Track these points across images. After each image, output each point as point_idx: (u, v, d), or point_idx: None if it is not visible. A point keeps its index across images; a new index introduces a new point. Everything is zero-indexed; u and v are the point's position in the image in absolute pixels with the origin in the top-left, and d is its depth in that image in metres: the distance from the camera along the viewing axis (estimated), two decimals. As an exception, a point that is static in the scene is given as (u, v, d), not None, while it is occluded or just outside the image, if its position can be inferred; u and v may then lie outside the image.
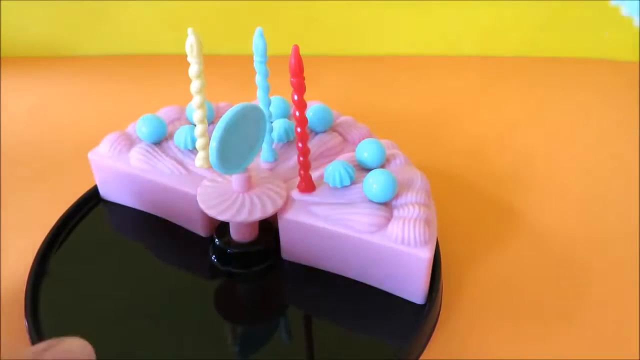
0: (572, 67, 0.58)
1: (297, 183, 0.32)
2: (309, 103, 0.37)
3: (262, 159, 0.34)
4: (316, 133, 0.36)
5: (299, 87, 0.29)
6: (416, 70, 0.59)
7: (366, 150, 0.32)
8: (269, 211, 0.30)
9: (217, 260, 0.33)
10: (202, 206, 0.30)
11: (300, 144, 0.30)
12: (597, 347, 0.29)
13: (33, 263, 0.32)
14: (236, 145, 0.28)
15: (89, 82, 0.57)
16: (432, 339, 0.29)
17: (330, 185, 0.31)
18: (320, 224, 0.30)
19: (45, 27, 0.61)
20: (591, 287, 0.32)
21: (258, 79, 0.32)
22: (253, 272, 0.32)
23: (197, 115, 0.32)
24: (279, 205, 0.30)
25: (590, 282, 0.33)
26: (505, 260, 0.34)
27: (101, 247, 0.34)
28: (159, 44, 0.62)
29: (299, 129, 0.30)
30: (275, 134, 0.35)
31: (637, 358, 0.28)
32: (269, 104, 0.33)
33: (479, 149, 0.45)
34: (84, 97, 0.55)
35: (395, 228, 0.28)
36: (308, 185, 0.31)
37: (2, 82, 0.56)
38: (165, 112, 0.39)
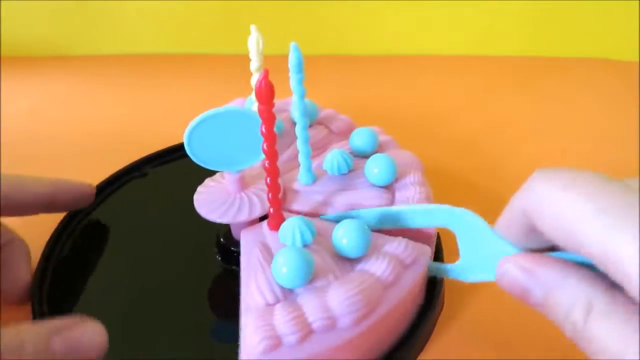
0: (572, 67, 0.58)
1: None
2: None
3: (300, 181, 0.32)
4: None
5: (268, 117, 0.25)
6: (416, 70, 0.59)
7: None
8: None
9: (222, 260, 0.33)
10: (201, 212, 0.30)
11: (268, 179, 0.27)
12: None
13: (37, 264, 0.32)
14: (222, 142, 0.28)
15: (89, 82, 0.57)
16: (432, 339, 0.29)
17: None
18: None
19: (45, 27, 0.61)
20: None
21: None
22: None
23: (256, 107, 0.33)
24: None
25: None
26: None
27: (102, 248, 0.34)
28: (159, 44, 0.62)
29: (267, 163, 0.26)
30: (328, 166, 0.32)
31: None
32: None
33: (478, 148, 0.45)
34: (84, 97, 0.55)
35: None
36: (278, 222, 0.28)
37: (2, 82, 0.56)
38: (235, 104, 0.39)
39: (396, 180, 0.31)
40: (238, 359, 0.25)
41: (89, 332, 0.22)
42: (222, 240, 0.33)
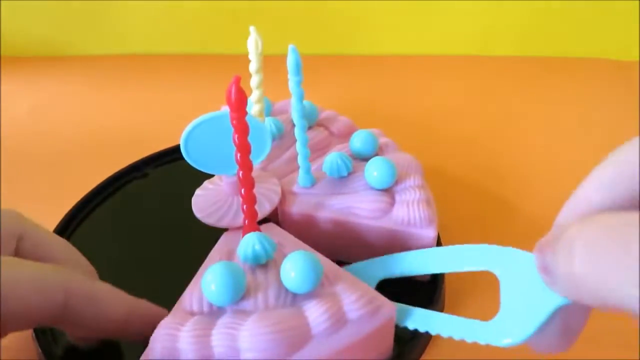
0: (572, 67, 0.58)
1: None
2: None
3: (299, 184, 0.32)
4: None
5: (240, 125, 0.24)
6: (416, 70, 0.59)
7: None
8: (267, 209, 0.30)
9: None
10: (199, 215, 0.30)
11: (243, 190, 0.26)
12: (597, 337, 0.29)
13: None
14: (219, 145, 0.28)
15: (89, 82, 0.57)
16: (433, 338, 0.29)
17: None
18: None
19: (45, 27, 0.61)
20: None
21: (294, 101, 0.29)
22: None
23: (256, 109, 0.33)
24: (275, 202, 0.30)
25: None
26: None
27: (102, 248, 0.34)
28: (159, 44, 0.62)
29: (241, 174, 0.25)
30: (327, 168, 0.32)
31: (637, 358, 0.28)
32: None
33: (479, 149, 0.45)
34: (84, 97, 0.55)
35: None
36: (252, 224, 0.27)
37: (2, 82, 0.56)
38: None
39: (396, 183, 0.31)
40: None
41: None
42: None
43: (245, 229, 0.27)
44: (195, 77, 0.57)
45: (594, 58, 0.59)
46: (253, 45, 0.32)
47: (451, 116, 0.50)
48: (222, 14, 0.60)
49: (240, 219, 0.29)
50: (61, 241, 0.26)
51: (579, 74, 0.57)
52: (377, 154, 0.33)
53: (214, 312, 0.23)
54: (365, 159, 0.32)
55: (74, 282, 0.23)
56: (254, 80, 0.33)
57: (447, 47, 0.61)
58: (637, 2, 0.55)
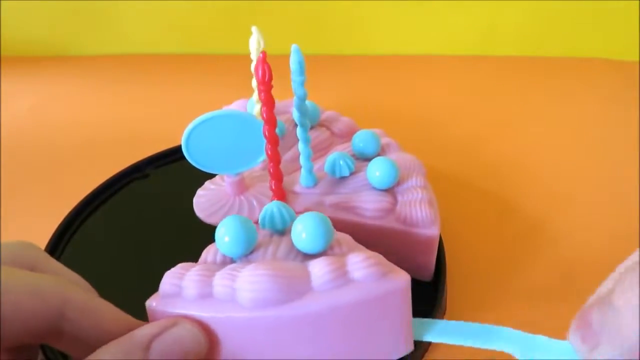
0: (572, 67, 0.58)
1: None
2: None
3: (301, 183, 0.32)
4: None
5: (268, 99, 0.26)
6: (416, 70, 0.59)
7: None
8: None
9: None
10: (200, 215, 0.30)
11: (271, 167, 0.27)
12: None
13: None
14: (220, 145, 0.28)
15: (89, 82, 0.57)
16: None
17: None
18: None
19: (45, 27, 0.61)
20: (588, 267, 0.32)
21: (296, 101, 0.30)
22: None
23: (257, 108, 0.33)
24: None
25: (586, 264, 0.33)
26: (506, 257, 0.34)
27: (103, 248, 0.34)
28: (159, 44, 0.62)
29: (269, 149, 0.27)
30: (330, 168, 0.32)
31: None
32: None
33: (480, 150, 0.45)
34: (84, 97, 0.55)
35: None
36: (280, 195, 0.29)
37: (2, 82, 0.56)
38: (237, 106, 0.40)
39: (398, 183, 0.31)
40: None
41: (186, 334, 0.21)
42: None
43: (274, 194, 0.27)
44: (195, 77, 0.57)
45: (594, 58, 0.59)
46: (255, 44, 0.32)
47: (452, 116, 0.50)
48: (222, 14, 0.60)
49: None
50: (66, 269, 0.26)
51: (579, 74, 0.57)
52: (379, 154, 0.33)
53: (225, 262, 0.23)
54: (368, 159, 0.32)
55: (72, 292, 0.22)
56: (255, 80, 0.33)
57: (447, 47, 0.61)
58: (637, 2, 0.55)
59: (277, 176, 0.28)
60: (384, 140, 0.35)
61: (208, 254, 0.24)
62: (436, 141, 0.46)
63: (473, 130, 0.48)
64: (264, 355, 0.21)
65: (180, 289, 0.22)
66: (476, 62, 0.60)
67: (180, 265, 0.23)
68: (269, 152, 0.27)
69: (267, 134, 0.27)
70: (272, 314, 0.20)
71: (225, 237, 0.23)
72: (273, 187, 0.29)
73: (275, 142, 0.27)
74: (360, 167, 0.32)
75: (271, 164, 0.28)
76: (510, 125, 0.49)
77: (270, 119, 0.26)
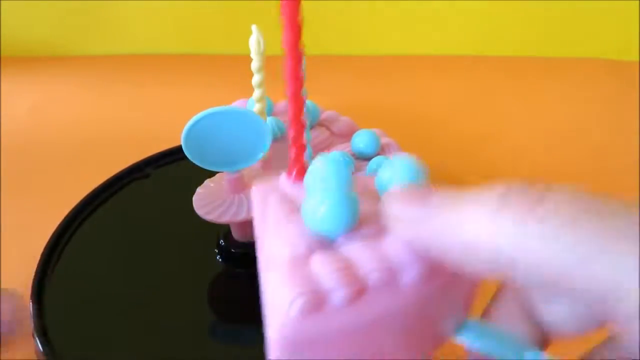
0: (572, 67, 0.58)
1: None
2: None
3: None
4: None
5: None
6: (416, 70, 0.59)
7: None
8: None
9: (222, 260, 0.33)
10: (200, 212, 0.30)
11: (291, 112, 0.21)
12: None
13: (37, 264, 0.32)
14: (220, 141, 0.28)
15: (89, 82, 0.57)
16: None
17: None
18: None
19: (45, 27, 0.61)
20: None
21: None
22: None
23: (257, 108, 0.33)
24: None
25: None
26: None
27: (104, 248, 0.34)
28: (159, 44, 0.62)
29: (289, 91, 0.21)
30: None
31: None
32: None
33: (480, 150, 0.46)
34: (84, 97, 0.55)
35: None
36: (301, 171, 0.21)
37: (2, 82, 0.56)
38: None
39: None
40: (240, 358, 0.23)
41: None
42: (222, 241, 0.33)
43: (292, 164, 0.21)
44: (195, 77, 0.57)
45: (594, 58, 0.59)
46: (255, 43, 0.32)
47: (452, 116, 0.50)
48: (222, 14, 0.60)
49: (241, 215, 0.29)
50: None
51: (579, 74, 0.57)
52: (379, 154, 0.33)
53: (331, 246, 0.17)
54: (367, 159, 0.32)
55: None
56: (256, 79, 0.33)
57: (447, 47, 0.61)
58: (637, 2, 0.55)
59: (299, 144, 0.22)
60: (384, 140, 0.35)
61: (293, 244, 0.17)
62: (436, 141, 0.46)
63: (473, 130, 0.48)
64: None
65: (322, 294, 0.16)
66: (476, 62, 0.60)
67: (285, 278, 0.16)
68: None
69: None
70: (437, 284, 0.17)
71: (321, 208, 0.17)
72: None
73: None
74: (360, 166, 0.32)
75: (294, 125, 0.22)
76: (510, 125, 0.49)
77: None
